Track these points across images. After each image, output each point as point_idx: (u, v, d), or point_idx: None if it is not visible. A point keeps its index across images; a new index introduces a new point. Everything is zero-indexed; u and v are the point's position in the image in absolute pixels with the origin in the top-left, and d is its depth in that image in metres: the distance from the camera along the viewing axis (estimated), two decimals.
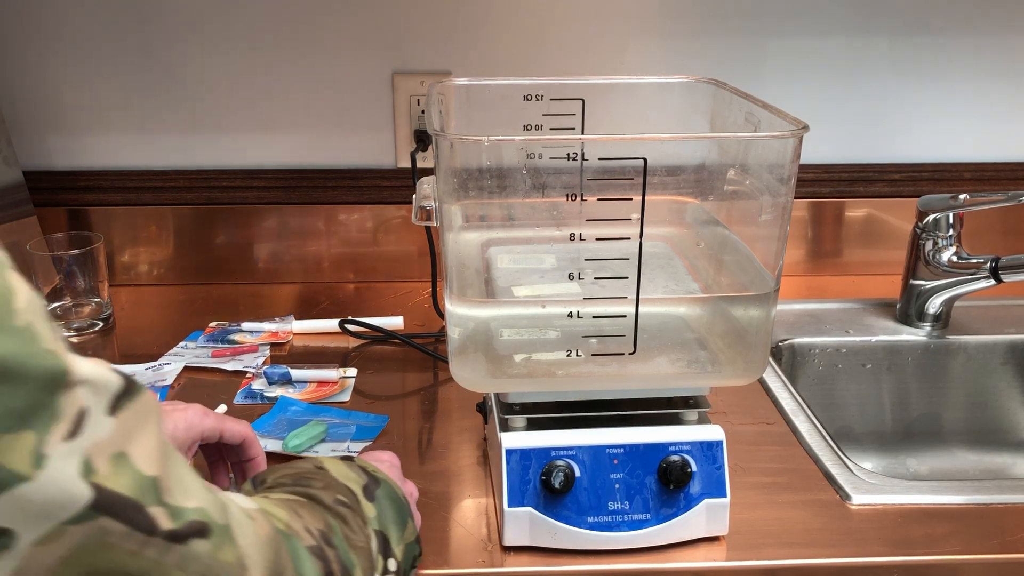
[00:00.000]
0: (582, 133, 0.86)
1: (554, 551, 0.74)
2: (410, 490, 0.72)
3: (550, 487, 0.72)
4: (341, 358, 1.08)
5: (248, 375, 1.03)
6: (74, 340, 1.11)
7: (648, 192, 0.68)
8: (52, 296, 1.12)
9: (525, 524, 0.74)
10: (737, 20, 1.22)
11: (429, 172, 0.87)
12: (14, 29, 1.19)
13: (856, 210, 1.29)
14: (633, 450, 0.74)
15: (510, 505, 0.73)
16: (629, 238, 0.70)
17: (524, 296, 0.79)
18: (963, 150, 1.30)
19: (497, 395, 0.79)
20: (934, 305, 1.13)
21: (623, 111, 0.90)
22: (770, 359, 1.02)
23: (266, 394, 0.99)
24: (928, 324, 1.13)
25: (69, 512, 0.38)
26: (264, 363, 1.06)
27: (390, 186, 1.26)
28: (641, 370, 0.75)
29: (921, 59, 1.25)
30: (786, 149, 0.70)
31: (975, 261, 1.08)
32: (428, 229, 1.12)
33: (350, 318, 1.13)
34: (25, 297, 0.37)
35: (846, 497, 0.82)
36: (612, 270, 0.72)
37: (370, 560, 0.59)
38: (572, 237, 0.72)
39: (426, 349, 1.09)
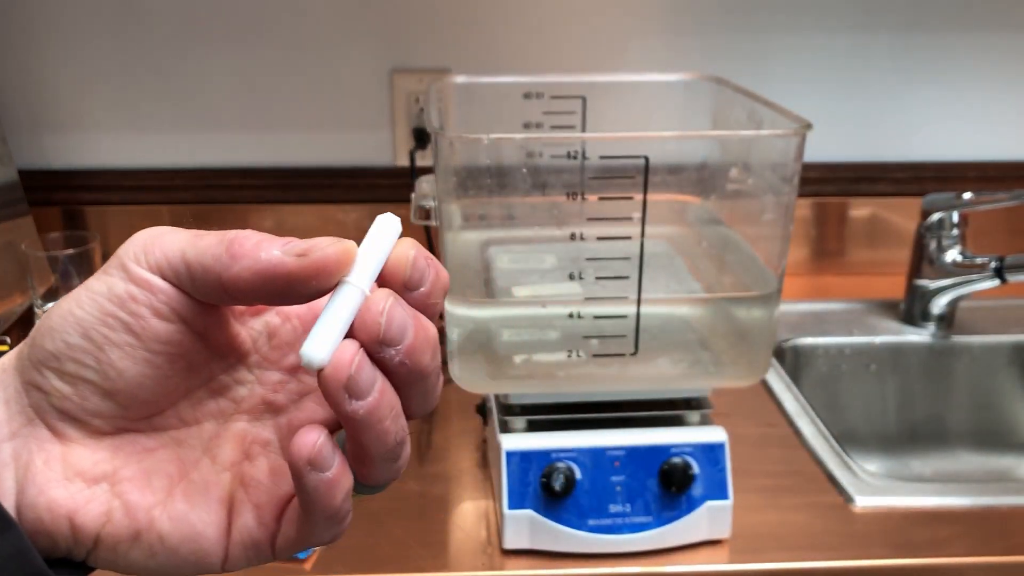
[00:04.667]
0: (583, 131, 0.85)
1: (554, 554, 0.73)
2: None
3: (550, 490, 0.71)
4: None
5: None
6: None
7: (650, 191, 0.68)
8: (48, 296, 1.11)
9: (525, 527, 0.73)
10: (740, 17, 1.21)
11: (428, 171, 0.86)
12: (9, 28, 1.18)
13: (860, 209, 1.29)
14: (634, 452, 0.73)
15: (510, 508, 0.72)
16: (630, 237, 0.70)
17: (524, 296, 0.78)
18: (968, 149, 1.29)
19: (497, 396, 0.78)
20: (938, 305, 1.12)
21: (624, 109, 0.89)
22: (773, 360, 1.01)
23: None
24: (932, 324, 1.12)
25: None
26: None
27: (389, 185, 1.25)
28: (642, 371, 0.75)
29: (926, 58, 1.25)
30: (789, 148, 0.70)
31: (980, 261, 1.07)
32: (427, 228, 1.11)
33: None
34: None
35: (849, 499, 0.81)
36: (613, 270, 0.71)
37: None
38: (573, 236, 0.71)
39: None
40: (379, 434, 0.30)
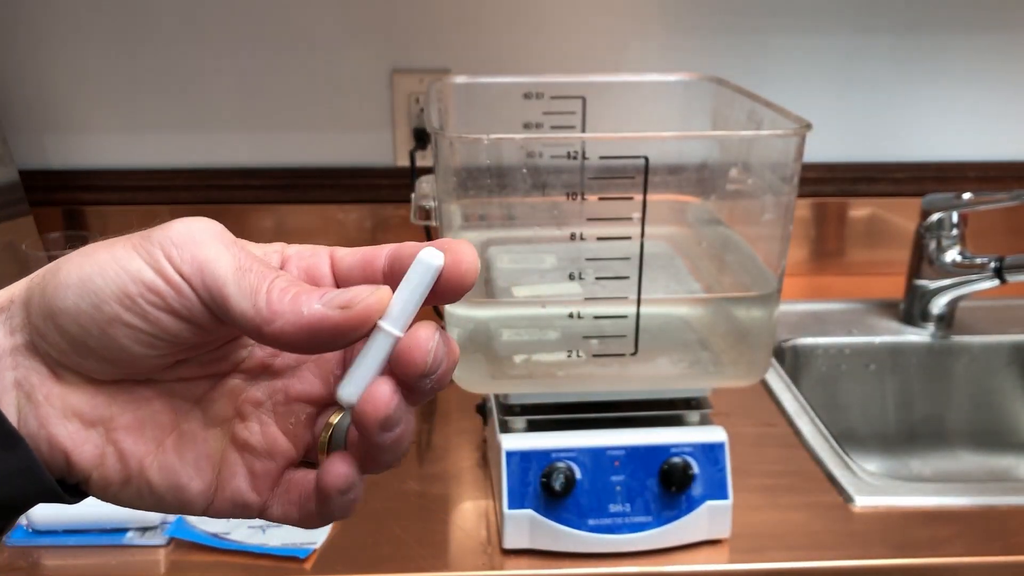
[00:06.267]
0: (583, 131, 0.85)
1: (554, 554, 0.73)
2: None
3: (550, 489, 0.71)
4: None
5: None
6: None
7: (649, 191, 0.68)
8: None
9: (525, 527, 0.73)
10: (739, 17, 1.21)
11: (428, 171, 0.86)
12: (9, 28, 1.18)
13: (859, 209, 1.29)
14: (634, 452, 0.73)
15: (510, 507, 0.72)
16: (630, 237, 0.70)
17: (524, 296, 0.78)
18: (968, 149, 1.29)
19: (497, 396, 0.78)
20: (938, 305, 1.12)
21: (624, 109, 0.90)
22: (772, 360, 1.01)
23: None
24: (932, 324, 1.13)
25: None
26: None
27: (389, 185, 1.25)
28: (642, 371, 0.75)
29: (925, 57, 1.25)
30: (789, 148, 0.70)
31: (979, 261, 1.07)
32: (427, 228, 1.11)
33: None
34: None
35: (849, 499, 0.82)
36: (613, 270, 0.71)
37: None
38: (573, 236, 0.71)
39: None
40: (397, 452, 0.33)
